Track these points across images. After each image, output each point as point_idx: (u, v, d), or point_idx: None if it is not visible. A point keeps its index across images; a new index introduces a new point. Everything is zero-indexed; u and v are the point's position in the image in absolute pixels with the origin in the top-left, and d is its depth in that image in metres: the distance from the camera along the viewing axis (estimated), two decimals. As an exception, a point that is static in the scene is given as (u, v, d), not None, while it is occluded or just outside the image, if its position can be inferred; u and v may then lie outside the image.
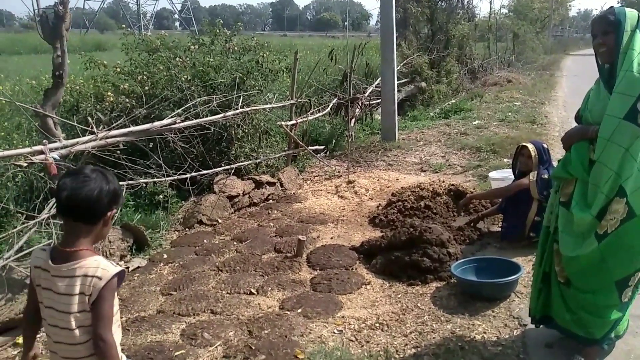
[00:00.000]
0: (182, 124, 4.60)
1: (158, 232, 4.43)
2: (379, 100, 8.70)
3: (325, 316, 3.04)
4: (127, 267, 3.74)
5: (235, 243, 4.26)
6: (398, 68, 8.92)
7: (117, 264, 2.55)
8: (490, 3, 72.31)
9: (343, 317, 3.04)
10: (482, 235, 4.19)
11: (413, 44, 12.49)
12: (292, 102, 6.36)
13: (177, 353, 2.68)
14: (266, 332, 2.86)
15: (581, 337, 2.43)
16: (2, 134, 4.90)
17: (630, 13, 2.24)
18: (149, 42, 6.02)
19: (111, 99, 5.28)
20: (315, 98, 7.99)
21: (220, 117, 5.03)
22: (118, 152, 4.22)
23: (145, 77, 5.50)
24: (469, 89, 13.23)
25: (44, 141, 3.25)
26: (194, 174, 4.83)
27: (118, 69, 5.70)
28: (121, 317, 1.95)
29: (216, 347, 2.76)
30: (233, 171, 5.29)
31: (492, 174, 5.23)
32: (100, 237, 1.64)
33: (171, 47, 6.02)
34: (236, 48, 6.13)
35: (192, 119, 4.79)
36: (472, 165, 6.38)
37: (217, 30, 6.14)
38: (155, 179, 4.54)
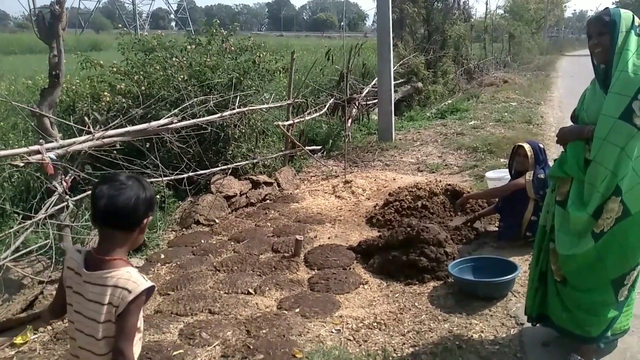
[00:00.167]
0: (179, 124, 4.59)
1: (155, 232, 4.42)
2: (376, 101, 8.72)
3: (323, 316, 3.05)
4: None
5: (232, 243, 4.26)
6: (395, 68, 8.94)
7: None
8: (486, 4, 72.59)
9: (341, 316, 3.05)
10: (479, 234, 4.20)
11: (409, 44, 12.52)
12: (289, 102, 6.36)
13: (175, 353, 2.68)
14: (264, 331, 2.87)
15: (578, 336, 2.45)
16: (-2, 133, 4.89)
17: (625, 14, 2.27)
18: (145, 42, 6.01)
19: (108, 98, 5.26)
20: (312, 98, 8.00)
21: (217, 117, 5.03)
22: (115, 152, 4.20)
23: (141, 77, 5.49)
24: (465, 90, 13.26)
25: (41, 141, 3.24)
26: (191, 174, 4.82)
27: (114, 69, 5.68)
28: None
29: (214, 346, 2.76)
30: (230, 171, 5.29)
31: (489, 174, 5.25)
32: (135, 244, 1.62)
33: (168, 47, 6.02)
34: (233, 48, 6.13)
35: (189, 119, 4.79)
36: (468, 165, 6.40)
37: (214, 30, 6.13)
38: (152, 179, 4.53)
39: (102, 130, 3.81)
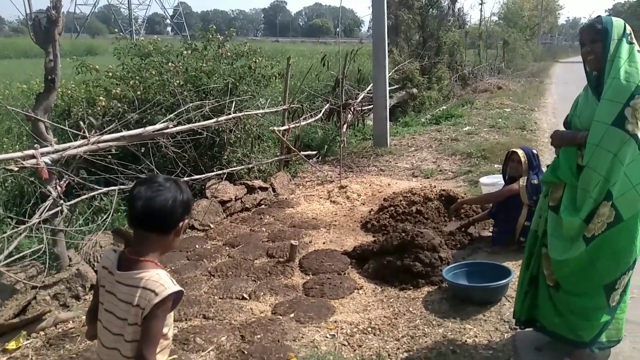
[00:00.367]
0: (174, 129, 4.59)
1: (149, 237, 4.40)
2: (371, 106, 8.75)
3: (318, 321, 3.05)
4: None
5: (227, 248, 4.26)
6: (390, 74, 8.98)
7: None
8: (481, 10, 73.40)
9: (335, 321, 3.05)
10: (473, 239, 4.22)
11: (404, 50, 12.59)
12: (284, 107, 6.37)
13: (169, 358, 2.66)
14: (259, 337, 2.86)
15: (570, 340, 2.46)
16: (-8, 138, 4.87)
17: (617, 22, 2.30)
18: (141, 47, 6.01)
19: (103, 103, 5.25)
20: (308, 103, 8.02)
21: (212, 122, 5.03)
22: (110, 156, 4.19)
23: (137, 81, 5.49)
24: (460, 96, 13.34)
25: (36, 145, 3.23)
26: (186, 179, 4.81)
27: (110, 74, 5.68)
28: None
29: (208, 352, 2.75)
30: (225, 176, 5.28)
31: (483, 180, 5.28)
32: (170, 247, 1.59)
33: (164, 52, 6.02)
34: (229, 53, 6.14)
35: (185, 124, 4.79)
36: (463, 170, 6.43)
37: (210, 36, 6.15)
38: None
39: (98, 135, 3.80)
